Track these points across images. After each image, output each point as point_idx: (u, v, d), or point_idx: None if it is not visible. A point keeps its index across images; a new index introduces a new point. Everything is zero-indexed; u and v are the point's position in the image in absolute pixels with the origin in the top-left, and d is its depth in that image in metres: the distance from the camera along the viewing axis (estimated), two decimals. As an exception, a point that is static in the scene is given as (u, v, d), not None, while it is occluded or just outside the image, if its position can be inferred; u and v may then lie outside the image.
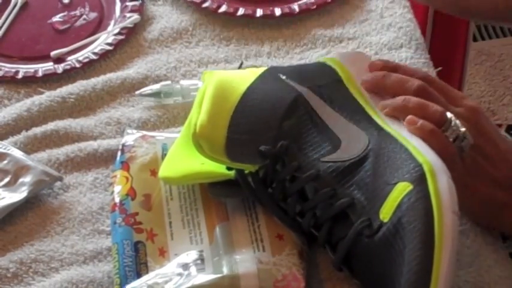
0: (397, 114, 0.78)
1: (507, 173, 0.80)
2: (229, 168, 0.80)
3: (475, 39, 2.22)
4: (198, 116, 0.80)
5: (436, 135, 0.75)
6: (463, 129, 0.77)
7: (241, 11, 1.07)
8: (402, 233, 0.69)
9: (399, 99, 0.78)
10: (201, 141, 0.79)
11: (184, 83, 0.99)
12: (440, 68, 1.04)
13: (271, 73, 0.84)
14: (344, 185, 0.75)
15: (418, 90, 0.79)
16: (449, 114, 0.77)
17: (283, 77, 0.83)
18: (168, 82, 0.99)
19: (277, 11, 1.07)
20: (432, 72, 1.02)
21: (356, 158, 0.75)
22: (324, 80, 0.82)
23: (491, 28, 2.26)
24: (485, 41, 2.25)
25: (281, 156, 0.77)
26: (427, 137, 0.74)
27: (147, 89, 0.98)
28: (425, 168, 0.71)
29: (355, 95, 0.81)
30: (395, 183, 0.71)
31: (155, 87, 0.98)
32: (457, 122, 0.77)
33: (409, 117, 0.76)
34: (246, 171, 0.79)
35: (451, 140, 0.76)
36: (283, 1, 1.09)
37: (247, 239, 0.79)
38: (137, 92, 0.98)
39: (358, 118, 0.78)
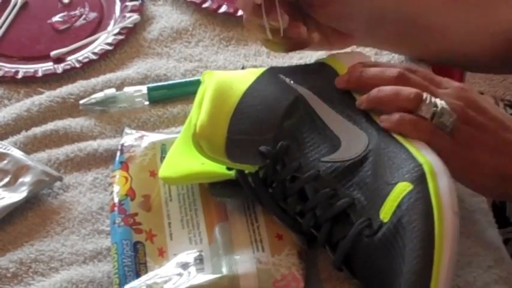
0: (373, 107, 0.77)
1: (507, 137, 0.79)
2: (229, 168, 0.80)
3: (475, 39, 2.21)
4: (197, 116, 0.80)
5: (405, 121, 0.75)
6: (441, 105, 0.76)
7: (241, 11, 1.07)
8: (402, 233, 0.69)
9: (374, 91, 0.78)
10: (201, 142, 0.79)
11: (128, 90, 0.98)
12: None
13: (270, 73, 0.84)
14: (344, 185, 0.74)
15: (398, 77, 0.78)
16: (425, 94, 0.76)
17: (283, 78, 0.83)
18: (112, 90, 0.98)
19: (277, 11, 1.07)
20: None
21: (356, 158, 0.75)
22: (324, 80, 0.82)
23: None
24: (485, 41, 2.24)
25: (281, 157, 0.77)
26: (398, 127, 0.75)
27: (91, 99, 0.97)
28: (426, 168, 0.71)
29: (355, 94, 0.80)
30: (396, 183, 0.71)
31: (99, 95, 0.97)
32: (435, 100, 0.76)
33: (381, 117, 0.76)
34: (246, 171, 0.79)
35: (427, 117, 0.75)
36: (283, 1, 1.09)
37: (247, 239, 0.79)
38: (81, 102, 0.97)
39: (358, 118, 0.78)
